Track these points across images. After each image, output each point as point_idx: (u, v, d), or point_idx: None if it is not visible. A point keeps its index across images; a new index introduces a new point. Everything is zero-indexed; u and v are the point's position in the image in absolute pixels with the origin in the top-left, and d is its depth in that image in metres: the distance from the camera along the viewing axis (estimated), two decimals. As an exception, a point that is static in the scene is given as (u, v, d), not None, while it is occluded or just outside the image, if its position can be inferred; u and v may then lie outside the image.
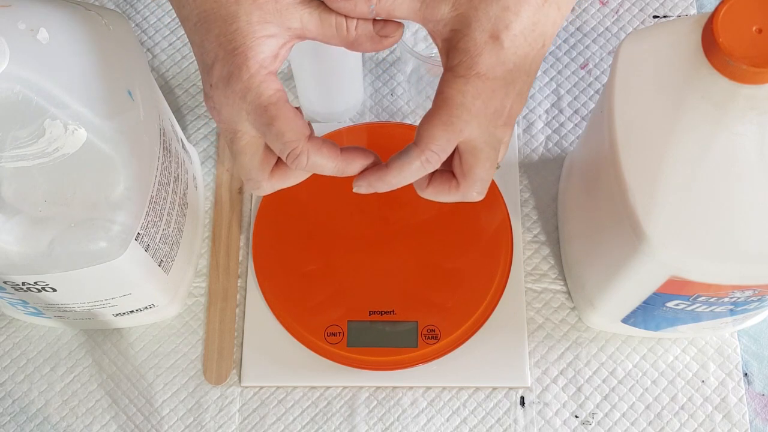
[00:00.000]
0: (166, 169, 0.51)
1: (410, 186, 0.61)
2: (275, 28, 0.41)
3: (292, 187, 0.61)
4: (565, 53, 0.67)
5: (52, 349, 0.60)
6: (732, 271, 0.43)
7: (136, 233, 0.47)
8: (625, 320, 0.55)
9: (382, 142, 0.63)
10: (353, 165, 0.43)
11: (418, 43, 0.65)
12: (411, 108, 0.66)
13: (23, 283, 0.48)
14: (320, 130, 0.64)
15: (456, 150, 0.42)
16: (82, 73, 0.45)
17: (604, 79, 0.66)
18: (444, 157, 0.42)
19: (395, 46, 0.67)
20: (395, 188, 0.44)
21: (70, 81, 0.44)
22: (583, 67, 0.67)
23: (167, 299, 0.57)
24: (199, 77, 0.67)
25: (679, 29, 0.41)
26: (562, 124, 0.65)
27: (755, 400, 0.57)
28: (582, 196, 0.55)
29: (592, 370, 0.58)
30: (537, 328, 0.59)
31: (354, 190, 0.44)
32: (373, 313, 0.58)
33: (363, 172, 0.44)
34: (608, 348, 0.59)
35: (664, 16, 0.69)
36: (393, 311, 0.57)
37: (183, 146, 0.58)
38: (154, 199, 0.48)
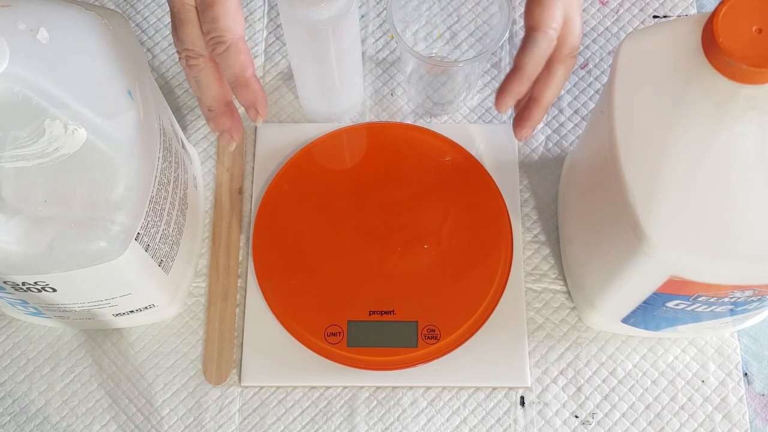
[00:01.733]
0: (166, 169, 0.51)
1: (411, 185, 0.62)
2: None
3: (292, 187, 0.61)
4: (565, 53, 0.67)
5: (52, 349, 0.60)
6: (732, 271, 0.43)
7: (136, 233, 0.47)
8: (625, 320, 0.55)
9: (382, 142, 0.63)
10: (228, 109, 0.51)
11: (418, 43, 0.65)
12: (411, 108, 0.66)
13: (23, 283, 0.48)
14: (320, 130, 0.64)
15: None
16: (82, 73, 0.45)
17: (604, 79, 0.66)
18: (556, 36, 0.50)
19: (395, 46, 0.68)
20: (531, 82, 0.51)
21: (70, 81, 0.44)
22: (583, 67, 0.67)
23: (167, 299, 0.57)
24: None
25: (679, 29, 0.41)
26: (562, 124, 0.65)
27: (755, 400, 0.57)
28: (582, 196, 0.55)
29: (592, 370, 0.58)
30: (537, 328, 0.59)
31: (499, 109, 0.52)
32: (373, 313, 0.58)
33: (501, 92, 0.51)
34: (608, 348, 0.59)
35: (664, 16, 0.69)
36: (393, 311, 0.58)
37: (183, 146, 0.58)
38: (154, 199, 0.48)
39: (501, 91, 0.51)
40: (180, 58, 0.49)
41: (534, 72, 0.50)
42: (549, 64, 0.51)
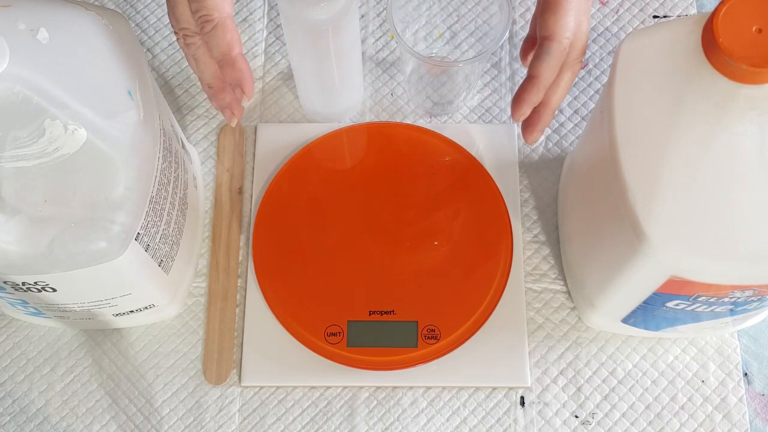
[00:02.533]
0: (166, 169, 0.51)
1: (410, 185, 0.62)
2: None
3: (292, 187, 0.61)
4: (565, 53, 0.67)
5: (52, 349, 0.60)
6: (732, 271, 0.43)
7: (136, 233, 0.47)
8: (625, 320, 0.55)
9: (382, 142, 0.63)
10: (225, 87, 0.52)
11: (418, 43, 0.65)
12: (411, 108, 0.66)
13: (23, 283, 0.48)
14: (320, 130, 0.64)
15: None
16: (82, 73, 0.45)
17: (604, 79, 0.66)
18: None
19: (395, 46, 0.68)
20: (546, 90, 0.52)
21: (70, 81, 0.44)
22: (583, 67, 0.67)
23: (167, 299, 0.57)
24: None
25: (679, 29, 0.41)
26: (562, 124, 0.65)
27: (755, 400, 0.57)
28: (582, 196, 0.55)
29: (592, 370, 0.58)
30: (537, 328, 0.59)
31: (516, 119, 0.53)
32: (373, 313, 0.58)
33: (517, 101, 0.52)
34: (608, 348, 0.59)
35: (664, 16, 0.69)
36: (393, 311, 0.58)
37: (183, 146, 0.58)
38: (154, 199, 0.48)
39: (517, 101, 0.52)
40: (177, 39, 0.50)
41: (549, 80, 0.51)
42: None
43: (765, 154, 0.39)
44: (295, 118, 0.66)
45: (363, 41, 0.68)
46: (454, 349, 0.57)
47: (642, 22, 0.69)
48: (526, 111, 0.53)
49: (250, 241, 0.61)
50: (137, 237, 0.47)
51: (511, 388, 0.58)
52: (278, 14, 0.69)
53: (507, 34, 0.59)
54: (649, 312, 0.52)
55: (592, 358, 0.58)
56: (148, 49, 0.69)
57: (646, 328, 0.56)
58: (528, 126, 0.55)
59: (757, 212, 0.40)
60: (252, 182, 0.63)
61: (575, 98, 0.66)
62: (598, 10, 0.69)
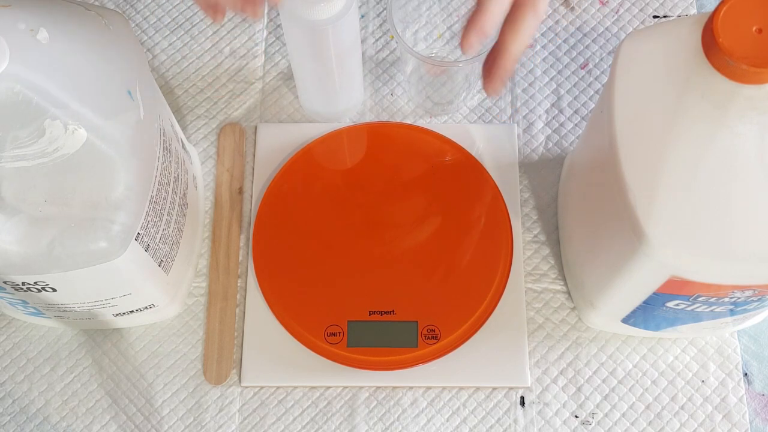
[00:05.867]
0: (166, 169, 0.51)
1: (410, 185, 0.62)
2: None
3: (292, 187, 0.61)
4: (565, 53, 0.67)
5: (52, 349, 0.60)
6: (732, 271, 0.43)
7: (136, 233, 0.47)
8: (625, 320, 0.55)
9: (382, 142, 0.63)
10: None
11: (418, 43, 0.65)
12: (411, 108, 0.66)
13: (23, 283, 0.48)
14: (320, 130, 0.64)
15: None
16: (82, 73, 0.45)
17: (604, 79, 0.66)
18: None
19: (395, 46, 0.68)
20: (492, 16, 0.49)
21: (70, 81, 0.44)
22: (583, 67, 0.67)
23: (167, 299, 0.57)
24: (199, 77, 0.67)
25: (679, 29, 0.41)
26: (562, 124, 0.65)
27: (755, 400, 0.57)
28: (582, 196, 0.55)
29: (592, 370, 0.58)
30: (537, 328, 0.59)
31: (464, 49, 0.49)
32: (373, 313, 0.58)
33: (464, 30, 0.48)
34: (608, 348, 0.59)
35: (664, 16, 0.69)
36: (393, 311, 0.58)
37: (183, 146, 0.58)
38: (154, 199, 0.48)
39: (464, 30, 0.48)
40: None
41: (496, 8, 0.48)
42: (515, 8, 0.48)
43: (765, 154, 0.39)
44: (295, 118, 0.66)
45: (363, 41, 0.68)
46: (454, 349, 0.57)
47: (642, 22, 0.69)
48: (473, 41, 0.48)
49: (250, 241, 0.61)
50: (137, 237, 0.47)
51: (511, 388, 0.58)
52: (278, 14, 0.69)
53: (507, 34, 0.59)
54: (649, 312, 0.52)
55: (592, 358, 0.58)
56: (148, 49, 0.69)
57: (646, 328, 0.56)
58: (487, 74, 0.51)
59: (757, 212, 0.40)
60: (252, 182, 0.63)
61: (575, 98, 0.66)
62: (598, 10, 0.69)
